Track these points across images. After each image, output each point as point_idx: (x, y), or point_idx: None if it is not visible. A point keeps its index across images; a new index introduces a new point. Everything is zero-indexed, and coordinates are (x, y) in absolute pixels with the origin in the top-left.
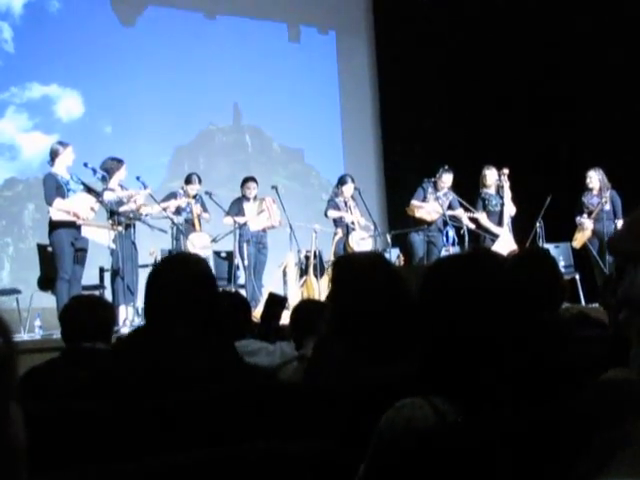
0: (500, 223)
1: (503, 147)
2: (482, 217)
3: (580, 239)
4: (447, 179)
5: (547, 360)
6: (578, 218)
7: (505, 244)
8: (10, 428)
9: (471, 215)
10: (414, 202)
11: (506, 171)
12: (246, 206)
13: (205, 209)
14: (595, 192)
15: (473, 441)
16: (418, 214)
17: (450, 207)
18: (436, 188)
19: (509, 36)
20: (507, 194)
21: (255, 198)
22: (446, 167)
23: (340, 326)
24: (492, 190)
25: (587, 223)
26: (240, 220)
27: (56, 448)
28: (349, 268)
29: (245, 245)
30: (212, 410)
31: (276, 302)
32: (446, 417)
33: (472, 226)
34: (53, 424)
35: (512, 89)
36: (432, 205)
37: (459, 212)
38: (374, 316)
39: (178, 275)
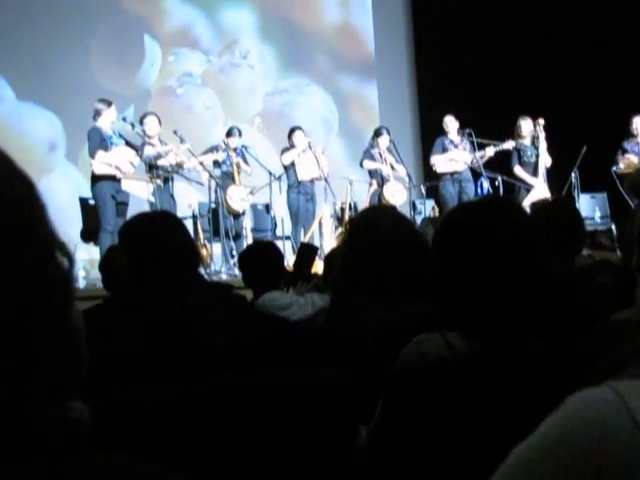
0: (535, 174)
1: (538, 96)
2: (517, 168)
3: (627, 164)
4: (449, 121)
5: (556, 303)
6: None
7: (540, 195)
8: (73, 321)
9: (500, 147)
10: (432, 159)
11: (541, 121)
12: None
13: (246, 162)
14: None
15: (482, 372)
16: (440, 169)
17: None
18: (446, 135)
19: None
20: (542, 145)
21: (304, 150)
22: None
23: (356, 278)
24: (527, 141)
25: (633, 158)
26: (291, 159)
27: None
28: (363, 224)
29: (291, 195)
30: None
31: (308, 251)
32: (458, 351)
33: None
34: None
35: (549, 39)
36: (453, 153)
37: (488, 151)
38: (389, 267)
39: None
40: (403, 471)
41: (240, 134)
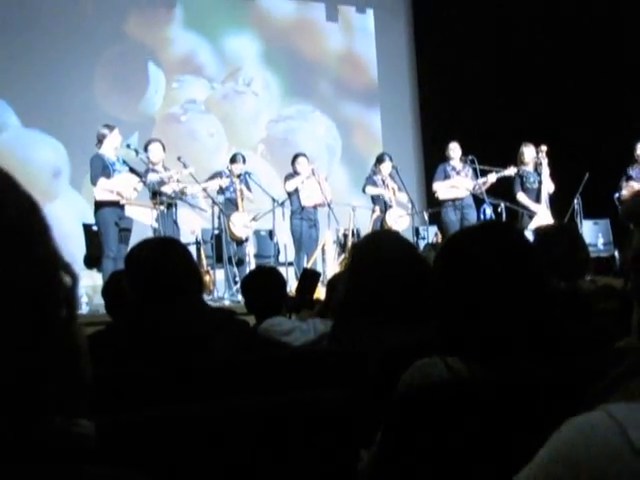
0: (538, 200)
1: (541, 123)
2: (520, 195)
3: (630, 190)
4: (453, 148)
5: (555, 328)
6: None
7: (543, 220)
8: (76, 337)
9: (503, 174)
10: (435, 185)
11: (544, 147)
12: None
13: (249, 189)
14: None
15: (482, 395)
16: (442, 196)
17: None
18: (448, 162)
19: (550, 8)
20: (545, 171)
21: (307, 176)
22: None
23: (359, 303)
24: (530, 167)
25: (636, 185)
26: (295, 185)
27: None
28: (367, 247)
29: (294, 221)
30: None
31: (311, 276)
32: (459, 374)
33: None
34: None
35: (551, 65)
36: (455, 180)
37: (490, 177)
38: (392, 290)
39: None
40: None
41: (244, 161)
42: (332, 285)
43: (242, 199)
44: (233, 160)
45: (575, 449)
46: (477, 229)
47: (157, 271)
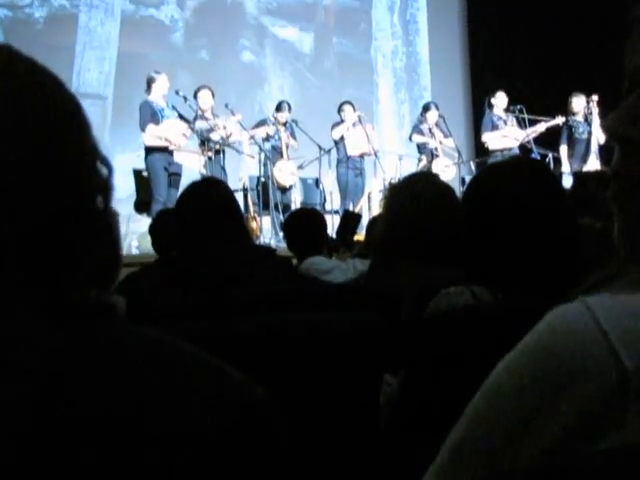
0: (588, 150)
1: (593, 73)
2: (562, 148)
3: None
4: (500, 97)
5: (584, 265)
6: None
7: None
8: (111, 223)
9: (551, 123)
10: (484, 136)
11: (595, 97)
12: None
13: (294, 137)
14: None
15: (504, 318)
16: (492, 146)
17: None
18: (493, 112)
19: None
20: (596, 121)
21: (354, 125)
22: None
23: (397, 243)
24: (580, 117)
25: None
26: (341, 133)
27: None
28: (403, 189)
29: (340, 170)
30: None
31: (352, 218)
32: (482, 300)
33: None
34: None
35: (603, 15)
36: (505, 130)
37: (539, 127)
38: (428, 230)
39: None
40: (429, 414)
41: (289, 109)
42: (372, 226)
43: (287, 147)
44: (279, 108)
45: (550, 333)
46: (507, 164)
47: (198, 205)
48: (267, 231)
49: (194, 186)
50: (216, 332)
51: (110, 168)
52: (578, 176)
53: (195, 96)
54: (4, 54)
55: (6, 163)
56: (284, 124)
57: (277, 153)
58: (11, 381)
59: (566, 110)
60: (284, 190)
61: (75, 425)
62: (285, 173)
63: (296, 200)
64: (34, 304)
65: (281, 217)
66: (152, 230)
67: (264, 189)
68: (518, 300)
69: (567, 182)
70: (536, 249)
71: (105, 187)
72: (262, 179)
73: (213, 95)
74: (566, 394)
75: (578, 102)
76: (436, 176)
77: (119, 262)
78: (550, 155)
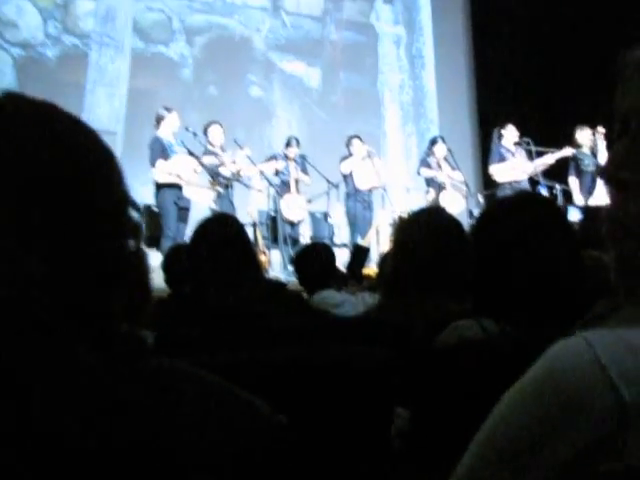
0: (594, 183)
1: (598, 106)
2: (571, 180)
3: None
4: (510, 130)
5: (588, 298)
6: None
7: (599, 202)
8: (141, 263)
9: (559, 155)
10: (491, 168)
11: (601, 129)
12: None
13: (305, 172)
14: None
15: (512, 351)
16: (500, 179)
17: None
18: (501, 144)
19: None
20: (602, 153)
21: (362, 158)
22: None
23: (406, 276)
24: (586, 150)
25: None
26: (350, 167)
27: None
28: (412, 222)
29: (349, 203)
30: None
31: (360, 252)
32: (491, 333)
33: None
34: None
35: (607, 46)
36: (513, 162)
37: (547, 158)
38: (437, 264)
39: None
40: (440, 446)
41: (298, 144)
42: (384, 261)
43: (296, 182)
44: (288, 144)
45: (552, 368)
46: (514, 199)
47: (212, 245)
48: (276, 264)
49: (207, 222)
50: (233, 364)
51: (140, 212)
52: (587, 210)
53: (205, 131)
54: (47, 108)
55: (47, 209)
56: (293, 159)
57: (286, 187)
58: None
59: (572, 143)
60: (292, 224)
61: (116, 455)
62: (293, 208)
63: (305, 234)
64: (80, 338)
65: (290, 251)
66: (165, 266)
67: (273, 223)
68: (525, 332)
69: (577, 215)
70: (542, 282)
71: (136, 230)
72: (271, 213)
73: (223, 130)
74: (567, 429)
75: (582, 135)
76: (444, 210)
77: (149, 299)
78: (558, 187)
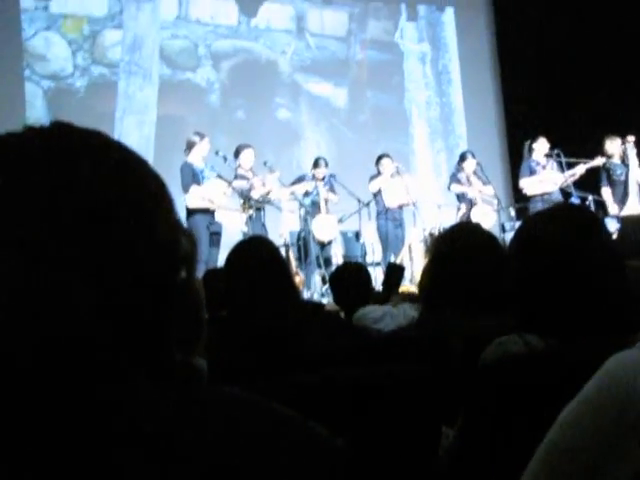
0: (626, 192)
1: (628, 114)
2: (604, 190)
3: None
4: (541, 143)
5: (634, 310)
6: None
7: (633, 212)
8: (195, 291)
9: (590, 165)
10: (522, 182)
11: (631, 138)
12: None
13: (334, 191)
14: None
15: (558, 367)
16: (530, 192)
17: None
18: (532, 157)
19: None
20: (633, 162)
21: (392, 176)
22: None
23: (443, 293)
24: (616, 159)
25: None
26: (378, 186)
27: None
28: (448, 238)
29: (380, 222)
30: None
31: (396, 271)
32: (536, 349)
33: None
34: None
35: (635, 52)
36: (543, 175)
37: (578, 169)
38: (474, 279)
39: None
40: (488, 467)
41: (326, 164)
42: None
43: (326, 202)
44: (316, 164)
45: (610, 379)
46: (554, 212)
47: (248, 268)
48: (309, 285)
49: (242, 245)
50: (282, 388)
51: (193, 242)
52: (624, 220)
53: (237, 155)
54: (102, 140)
55: (108, 240)
56: (322, 179)
57: (316, 208)
58: (130, 444)
59: (602, 153)
60: (324, 245)
61: None
62: (325, 228)
63: (337, 254)
64: (138, 368)
65: (324, 271)
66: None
67: (304, 244)
68: (571, 346)
69: (615, 225)
70: (585, 294)
71: (189, 259)
72: (302, 234)
73: (255, 154)
74: (630, 439)
75: (612, 144)
76: (478, 225)
77: (203, 327)
78: (590, 198)
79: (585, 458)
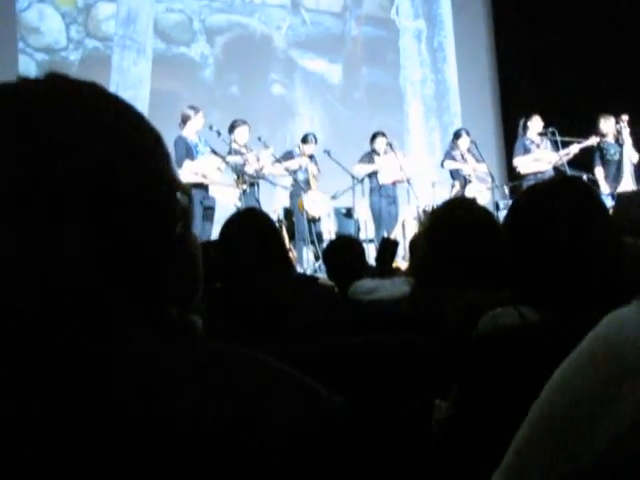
0: (620, 171)
1: (622, 92)
2: (597, 170)
3: None
4: (535, 121)
5: (629, 283)
6: None
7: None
8: (191, 246)
9: (585, 144)
10: (515, 160)
11: (625, 117)
12: (377, 159)
13: (317, 168)
14: None
15: (551, 338)
16: (524, 170)
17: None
18: (526, 136)
19: None
20: (627, 141)
21: (385, 152)
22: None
23: (438, 267)
24: (610, 138)
25: None
26: (371, 168)
27: None
28: (443, 213)
29: (373, 198)
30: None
31: (390, 245)
32: (530, 320)
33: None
34: None
35: (631, 35)
36: (537, 154)
37: (572, 148)
38: (469, 255)
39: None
40: (482, 436)
41: (316, 141)
42: (414, 246)
43: (315, 179)
44: (305, 140)
45: (606, 333)
46: (550, 185)
47: (245, 240)
48: (302, 262)
49: (237, 217)
50: (278, 352)
51: (190, 196)
52: (619, 197)
53: (232, 130)
54: (98, 91)
55: (105, 194)
56: (310, 156)
57: (306, 185)
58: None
59: (596, 132)
60: (315, 220)
61: (172, 438)
62: (315, 204)
63: (331, 231)
64: (138, 322)
65: (316, 247)
66: None
67: (298, 220)
68: (566, 318)
69: (609, 202)
70: (582, 267)
71: (185, 214)
72: (292, 210)
73: (249, 130)
74: (629, 390)
75: (606, 123)
76: (474, 200)
77: (199, 284)
78: (585, 177)
79: (583, 412)
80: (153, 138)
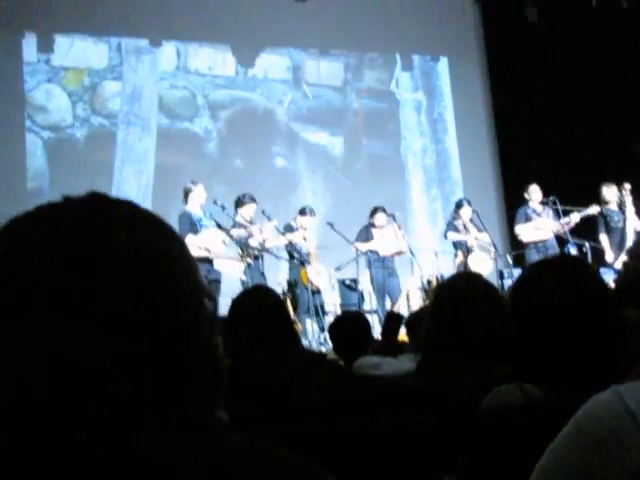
0: (623, 239)
1: (624, 161)
2: (602, 237)
3: None
4: (533, 190)
5: (631, 359)
6: None
7: None
8: (218, 352)
9: (585, 213)
10: (517, 228)
11: (627, 186)
12: (375, 233)
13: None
14: None
15: (557, 418)
16: (526, 239)
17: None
18: (528, 204)
19: (627, 47)
20: (630, 209)
21: (383, 226)
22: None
23: (443, 342)
24: (613, 206)
25: None
26: (370, 246)
27: None
28: (450, 288)
29: (373, 270)
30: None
31: (395, 319)
32: (533, 399)
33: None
34: None
35: (630, 102)
36: (538, 222)
37: (573, 217)
38: (474, 330)
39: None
40: None
41: (313, 213)
42: (411, 325)
43: (314, 252)
44: (302, 212)
45: (585, 420)
46: (551, 264)
47: (253, 319)
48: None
49: (244, 295)
50: (289, 436)
51: (215, 302)
52: (624, 266)
53: (239, 205)
54: (131, 210)
55: (139, 304)
56: (305, 229)
57: (307, 256)
58: None
59: (599, 200)
60: (316, 292)
61: None
62: (317, 276)
63: (335, 302)
64: (162, 419)
65: (321, 320)
66: None
67: (296, 292)
68: (568, 396)
69: (611, 275)
70: (583, 344)
71: (211, 318)
72: (294, 282)
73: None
74: (604, 464)
75: (609, 191)
76: (479, 275)
77: (223, 381)
78: (587, 245)
79: None
80: (180, 248)
